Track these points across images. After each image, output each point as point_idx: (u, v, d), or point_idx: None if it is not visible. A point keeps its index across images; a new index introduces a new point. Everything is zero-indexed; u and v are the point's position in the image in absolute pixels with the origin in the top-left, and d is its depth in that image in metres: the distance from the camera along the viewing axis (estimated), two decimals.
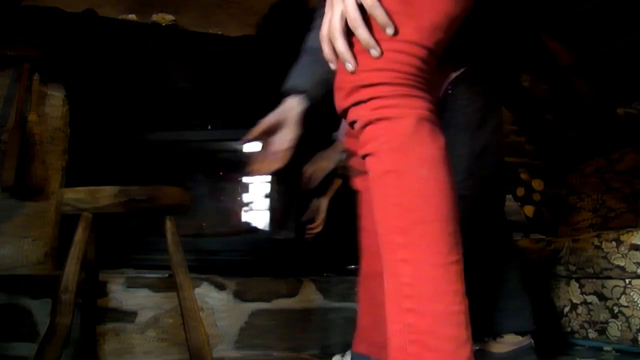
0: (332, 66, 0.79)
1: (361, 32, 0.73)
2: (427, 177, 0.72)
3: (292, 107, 1.22)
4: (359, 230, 1.11)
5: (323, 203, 1.93)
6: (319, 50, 0.88)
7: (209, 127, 2.48)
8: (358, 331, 1.12)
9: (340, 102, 0.77)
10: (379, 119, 0.73)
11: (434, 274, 0.69)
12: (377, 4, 0.72)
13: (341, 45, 0.75)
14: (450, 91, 1.60)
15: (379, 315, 0.94)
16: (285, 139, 1.19)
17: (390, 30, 0.72)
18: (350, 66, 0.74)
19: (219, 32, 2.20)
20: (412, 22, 0.74)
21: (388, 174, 0.72)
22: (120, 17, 2.08)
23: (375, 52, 0.72)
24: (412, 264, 0.70)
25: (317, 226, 2.06)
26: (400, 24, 0.73)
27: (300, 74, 1.24)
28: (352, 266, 2.34)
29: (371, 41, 0.72)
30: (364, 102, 0.73)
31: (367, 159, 0.75)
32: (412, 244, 0.70)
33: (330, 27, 0.76)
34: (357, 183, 1.13)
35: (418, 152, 0.72)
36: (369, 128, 0.74)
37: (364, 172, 0.99)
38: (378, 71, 0.73)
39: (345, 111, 0.77)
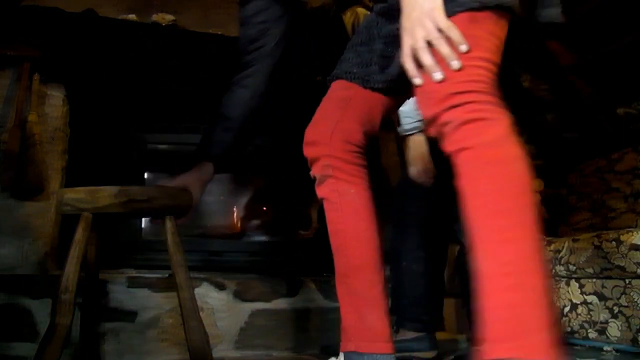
0: (417, 81, 0.92)
1: (444, 48, 0.88)
2: (522, 170, 0.85)
3: (204, 173, 1.54)
4: (330, 235, 1.15)
5: (313, 214, 1.95)
6: (233, 119, 1.38)
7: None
8: (344, 332, 1.14)
9: (431, 108, 0.90)
10: (476, 119, 0.85)
11: (532, 252, 0.78)
12: (453, 26, 0.89)
13: (429, 59, 0.89)
14: None
15: (363, 311, 1.09)
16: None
17: (464, 48, 0.88)
18: (439, 75, 0.88)
19: (219, 32, 2.20)
20: (483, 42, 0.91)
21: (490, 164, 0.84)
22: (120, 17, 2.08)
23: (456, 64, 0.87)
24: (514, 243, 0.78)
25: (308, 234, 2.07)
26: (473, 45, 0.89)
27: (214, 142, 1.56)
28: None
29: (453, 55, 0.88)
30: (460, 105, 0.86)
31: (464, 152, 0.85)
32: (514, 226, 0.79)
33: (415, 47, 0.91)
34: (323, 192, 1.17)
35: (514, 149, 0.85)
36: (466, 126, 0.85)
37: (328, 179, 1.13)
38: (467, 82, 0.87)
39: (437, 115, 0.88)
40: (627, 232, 1.71)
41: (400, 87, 1.09)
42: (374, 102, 1.17)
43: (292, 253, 2.43)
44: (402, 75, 0.98)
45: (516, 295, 0.76)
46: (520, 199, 0.82)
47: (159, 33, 2.10)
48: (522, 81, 3.49)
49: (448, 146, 0.88)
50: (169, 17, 2.13)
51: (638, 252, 1.64)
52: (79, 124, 2.10)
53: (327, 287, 2.04)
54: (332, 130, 1.14)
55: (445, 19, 0.90)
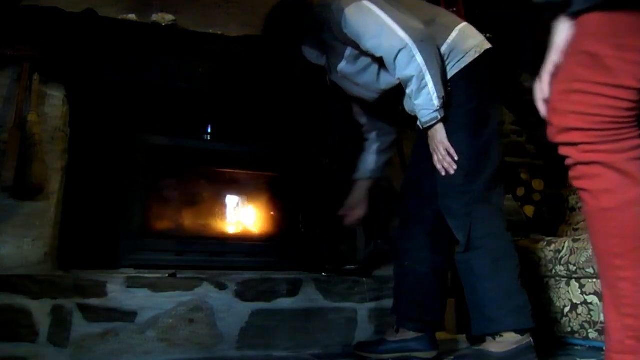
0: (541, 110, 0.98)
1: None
2: (638, 213, 0.88)
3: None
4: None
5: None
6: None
7: (208, 129, 2.49)
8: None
9: (551, 137, 0.93)
10: (591, 162, 0.88)
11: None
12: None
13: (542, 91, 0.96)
14: (449, 88, 1.61)
15: None
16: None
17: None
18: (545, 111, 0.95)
19: (219, 32, 2.20)
20: (627, 67, 0.83)
21: (606, 211, 0.89)
22: (120, 17, 2.08)
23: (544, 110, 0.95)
24: (630, 281, 0.89)
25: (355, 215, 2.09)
26: (616, 69, 0.83)
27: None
28: (351, 267, 2.34)
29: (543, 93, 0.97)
30: (574, 145, 0.89)
31: (582, 193, 0.92)
32: (629, 266, 0.89)
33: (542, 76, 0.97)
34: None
35: (632, 192, 0.87)
36: (581, 168, 0.90)
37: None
38: (586, 115, 0.86)
39: (557, 145, 0.92)
40: None
41: None
42: None
43: (292, 253, 2.44)
44: None
45: (633, 322, 0.90)
46: (637, 241, 0.88)
47: (159, 33, 2.10)
48: (522, 81, 3.49)
49: (574, 182, 0.95)
50: (169, 17, 2.13)
51: None
52: (79, 124, 2.10)
53: (327, 287, 2.04)
54: None
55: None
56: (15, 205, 1.84)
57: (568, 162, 0.92)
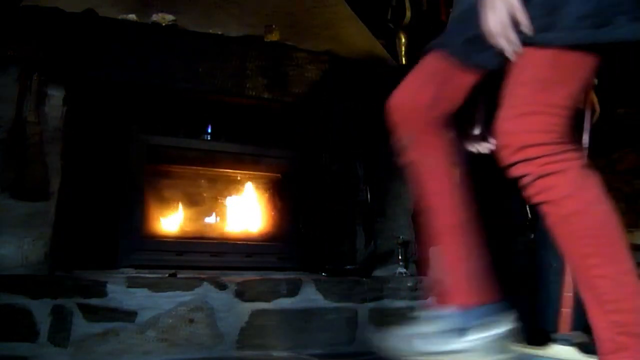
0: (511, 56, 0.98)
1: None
2: (601, 210, 0.96)
3: None
4: (423, 198, 1.19)
5: None
6: None
7: (209, 129, 2.49)
8: (449, 291, 1.15)
9: (507, 158, 0.97)
10: (549, 173, 0.93)
11: (626, 280, 0.92)
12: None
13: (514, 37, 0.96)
14: None
15: (462, 266, 1.13)
16: None
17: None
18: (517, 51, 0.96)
19: (219, 32, 2.20)
20: (563, 89, 0.95)
21: (570, 216, 0.94)
22: (120, 17, 2.08)
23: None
24: (608, 277, 0.92)
25: None
26: (553, 92, 0.94)
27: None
28: (351, 266, 2.34)
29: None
30: (532, 159, 0.94)
31: (545, 205, 0.96)
32: (604, 263, 0.93)
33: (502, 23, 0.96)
34: (410, 156, 1.19)
35: (589, 193, 0.95)
36: (541, 181, 0.94)
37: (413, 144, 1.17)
38: (541, 132, 0.94)
39: (513, 165, 0.96)
40: (627, 232, 1.71)
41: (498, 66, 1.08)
42: (465, 78, 1.15)
43: (293, 253, 2.44)
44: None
45: (619, 317, 0.91)
46: (607, 237, 0.95)
47: (159, 33, 2.10)
48: None
49: (530, 195, 0.98)
50: (169, 17, 2.13)
51: (638, 252, 1.64)
52: (79, 123, 2.10)
53: (327, 287, 2.04)
54: (420, 98, 1.16)
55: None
56: (15, 205, 1.84)
57: (527, 179, 0.96)
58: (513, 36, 0.95)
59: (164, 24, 2.11)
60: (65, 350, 1.67)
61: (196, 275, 1.97)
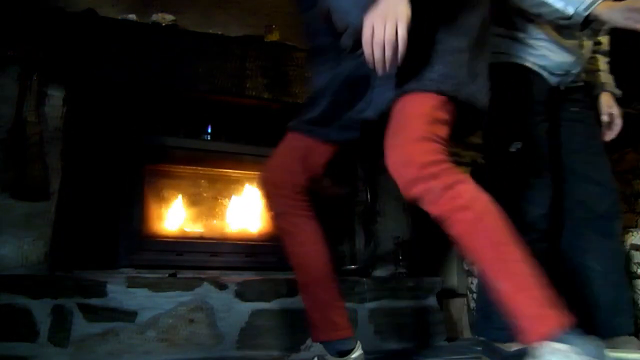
0: (379, 71, 1.11)
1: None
2: (497, 207, 1.10)
3: None
4: (291, 257, 1.43)
5: None
6: None
7: (209, 129, 2.49)
8: (314, 327, 1.45)
9: (412, 176, 1.09)
10: (453, 184, 1.08)
11: (530, 260, 1.05)
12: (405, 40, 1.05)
13: (380, 54, 1.07)
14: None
15: (325, 310, 1.43)
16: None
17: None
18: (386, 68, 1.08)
19: (219, 32, 2.20)
20: (441, 127, 1.14)
21: (481, 215, 1.08)
22: (120, 17, 2.08)
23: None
24: (522, 260, 1.05)
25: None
26: (436, 126, 1.13)
27: None
28: (351, 267, 2.34)
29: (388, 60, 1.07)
30: (436, 174, 1.08)
31: (455, 213, 1.08)
32: (516, 249, 1.06)
33: (376, 39, 1.06)
34: (282, 224, 1.43)
35: (485, 194, 1.11)
36: (448, 192, 1.08)
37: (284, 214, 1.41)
38: (437, 153, 1.10)
39: (414, 182, 1.09)
40: (627, 232, 1.71)
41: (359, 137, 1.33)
42: (326, 152, 1.41)
43: None
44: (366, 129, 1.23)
45: (520, 281, 1.04)
46: (503, 235, 1.08)
47: (159, 33, 2.10)
48: None
49: (430, 210, 1.11)
50: (169, 17, 2.13)
51: (638, 252, 1.64)
52: (79, 123, 2.10)
53: None
54: (286, 175, 1.39)
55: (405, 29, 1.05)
56: (15, 205, 1.85)
57: (432, 195, 1.09)
58: (390, 54, 1.05)
59: (164, 24, 2.11)
60: (65, 350, 1.67)
61: (196, 275, 1.97)
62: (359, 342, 1.51)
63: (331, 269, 1.45)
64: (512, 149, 1.55)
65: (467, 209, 1.08)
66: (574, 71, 1.64)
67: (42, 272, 1.84)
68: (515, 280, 1.04)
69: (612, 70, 1.83)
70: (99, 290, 1.75)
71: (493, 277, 1.06)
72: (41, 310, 1.68)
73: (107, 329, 1.72)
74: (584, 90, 1.75)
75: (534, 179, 1.56)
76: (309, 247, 1.43)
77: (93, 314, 1.72)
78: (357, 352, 1.46)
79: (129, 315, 1.76)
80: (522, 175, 1.56)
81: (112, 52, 2.02)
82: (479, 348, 1.99)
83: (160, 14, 2.13)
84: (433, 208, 1.10)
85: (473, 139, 3.42)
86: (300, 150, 1.40)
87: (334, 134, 1.36)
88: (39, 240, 1.86)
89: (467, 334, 2.45)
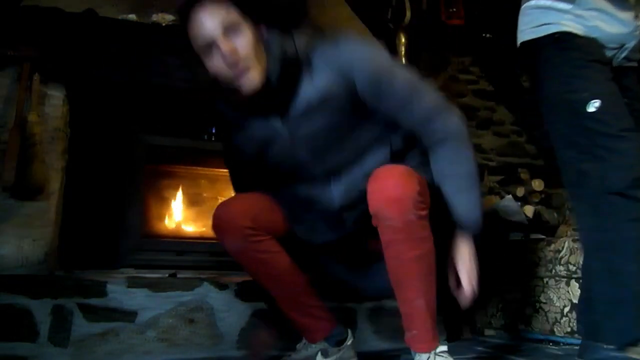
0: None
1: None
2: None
3: None
4: (268, 279, 1.56)
5: None
6: None
7: (210, 130, 2.49)
8: (308, 331, 1.58)
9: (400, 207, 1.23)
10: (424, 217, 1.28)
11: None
12: None
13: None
14: None
15: (314, 312, 1.55)
16: None
17: None
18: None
19: None
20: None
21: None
22: (120, 17, 2.08)
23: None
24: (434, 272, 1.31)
25: None
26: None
27: None
28: None
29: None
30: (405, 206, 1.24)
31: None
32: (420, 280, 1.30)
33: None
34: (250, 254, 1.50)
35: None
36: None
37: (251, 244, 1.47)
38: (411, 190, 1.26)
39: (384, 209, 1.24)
40: None
41: None
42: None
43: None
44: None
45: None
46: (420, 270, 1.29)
47: (159, 33, 2.10)
48: (522, 81, 3.50)
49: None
50: (169, 17, 2.13)
51: None
52: (79, 124, 2.10)
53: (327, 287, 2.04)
54: (240, 221, 1.44)
55: None
56: (15, 205, 1.85)
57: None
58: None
59: (164, 24, 2.11)
60: (65, 350, 1.67)
61: (196, 275, 1.97)
62: (349, 330, 1.64)
63: (305, 278, 1.54)
64: (591, 109, 1.39)
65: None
66: (628, 45, 1.51)
67: (42, 272, 1.84)
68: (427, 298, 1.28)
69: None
70: (99, 290, 1.75)
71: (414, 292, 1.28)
72: (41, 310, 1.67)
73: (107, 329, 1.72)
74: (636, 75, 1.61)
75: (627, 132, 1.39)
76: (284, 264, 1.50)
77: (93, 314, 1.72)
78: (351, 340, 1.62)
79: (129, 315, 1.75)
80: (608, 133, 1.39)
81: (112, 52, 2.02)
82: (479, 348, 1.99)
83: (160, 14, 2.12)
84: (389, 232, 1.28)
85: (473, 139, 3.43)
86: (264, 204, 1.52)
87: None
88: (39, 240, 1.86)
89: (467, 334, 2.45)
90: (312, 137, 1.34)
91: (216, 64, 1.25)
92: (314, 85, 1.29)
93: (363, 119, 1.35)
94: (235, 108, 1.40)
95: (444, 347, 1.31)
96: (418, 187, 1.21)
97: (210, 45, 1.24)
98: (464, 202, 1.37)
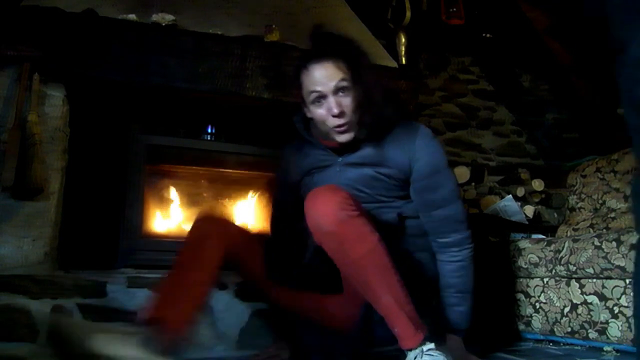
0: None
1: None
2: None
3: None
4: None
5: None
6: None
7: (209, 129, 2.49)
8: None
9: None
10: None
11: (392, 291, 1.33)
12: None
13: None
14: None
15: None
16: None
17: None
18: None
19: (219, 32, 2.20)
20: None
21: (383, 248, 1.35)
22: (120, 17, 2.08)
23: None
24: (400, 281, 1.33)
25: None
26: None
27: None
28: None
29: None
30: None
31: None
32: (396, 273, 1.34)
33: None
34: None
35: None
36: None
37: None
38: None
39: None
40: (627, 232, 1.71)
41: None
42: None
43: None
44: None
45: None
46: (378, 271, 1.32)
47: (159, 33, 2.10)
48: (522, 81, 3.50)
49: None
50: (169, 17, 2.13)
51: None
52: (78, 123, 2.10)
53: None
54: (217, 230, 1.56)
55: None
56: (15, 205, 1.85)
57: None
58: None
59: (164, 24, 2.11)
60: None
61: None
62: None
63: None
64: None
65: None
66: None
67: (42, 272, 1.83)
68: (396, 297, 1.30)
69: (612, 69, 1.81)
70: (99, 290, 1.75)
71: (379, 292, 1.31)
72: (41, 310, 1.68)
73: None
74: None
75: None
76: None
77: (93, 314, 1.72)
78: None
79: (129, 315, 1.75)
80: None
81: (111, 52, 2.02)
82: (479, 348, 1.99)
83: (160, 14, 2.12)
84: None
85: (473, 139, 3.43)
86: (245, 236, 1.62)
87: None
88: (39, 240, 1.86)
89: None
90: (353, 179, 1.52)
91: (322, 113, 1.46)
92: (380, 149, 1.51)
93: (395, 195, 1.54)
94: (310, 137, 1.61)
95: (432, 345, 1.30)
96: (345, 195, 1.31)
97: (320, 97, 1.45)
98: (457, 314, 1.57)
